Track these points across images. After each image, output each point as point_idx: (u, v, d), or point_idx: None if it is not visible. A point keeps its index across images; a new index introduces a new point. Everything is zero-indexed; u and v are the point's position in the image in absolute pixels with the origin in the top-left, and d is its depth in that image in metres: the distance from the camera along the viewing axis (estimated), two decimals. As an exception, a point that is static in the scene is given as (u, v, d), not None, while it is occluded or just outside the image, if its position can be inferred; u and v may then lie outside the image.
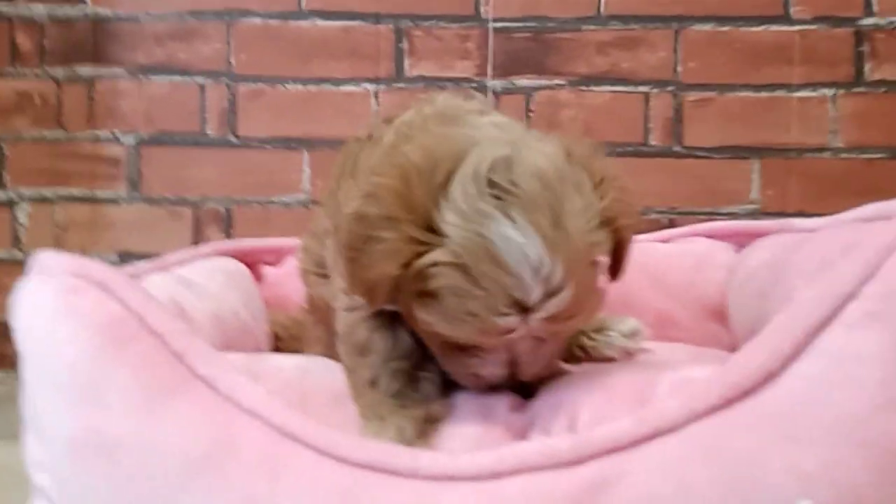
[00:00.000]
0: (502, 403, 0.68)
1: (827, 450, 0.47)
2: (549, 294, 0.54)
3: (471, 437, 0.62)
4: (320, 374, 0.70)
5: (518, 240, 0.53)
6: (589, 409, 0.62)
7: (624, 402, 0.61)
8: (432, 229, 0.55)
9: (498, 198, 0.54)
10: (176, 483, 0.48)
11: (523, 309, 0.54)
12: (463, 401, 0.69)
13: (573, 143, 0.62)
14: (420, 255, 0.55)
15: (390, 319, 0.65)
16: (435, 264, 0.54)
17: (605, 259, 0.62)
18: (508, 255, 0.53)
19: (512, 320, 0.54)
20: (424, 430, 0.63)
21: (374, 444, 0.53)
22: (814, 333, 0.51)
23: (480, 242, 0.53)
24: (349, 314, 0.68)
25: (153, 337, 0.54)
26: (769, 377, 0.51)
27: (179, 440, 0.49)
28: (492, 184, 0.55)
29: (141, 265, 0.88)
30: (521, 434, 0.61)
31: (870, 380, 0.49)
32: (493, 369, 0.61)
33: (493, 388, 0.63)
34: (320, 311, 0.80)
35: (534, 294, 0.54)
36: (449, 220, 0.54)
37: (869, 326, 0.50)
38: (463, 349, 0.60)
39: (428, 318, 0.57)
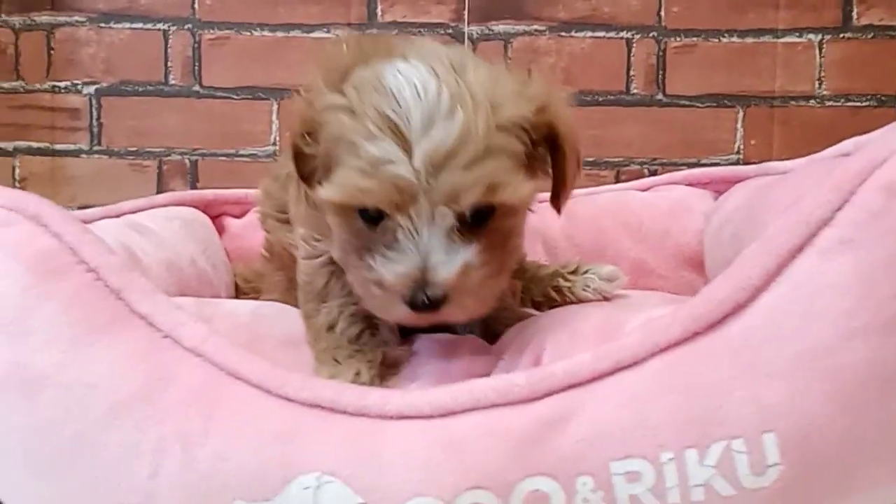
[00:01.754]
0: (465, 347, 0.66)
1: (790, 381, 0.45)
2: (430, 121, 0.51)
3: (430, 380, 0.60)
4: (274, 318, 0.68)
5: (407, 71, 0.53)
6: (553, 348, 0.59)
7: (589, 341, 0.59)
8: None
9: (403, 58, 0.55)
10: (101, 420, 0.45)
11: (403, 141, 0.51)
12: (424, 345, 0.67)
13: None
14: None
15: None
16: (328, 108, 0.55)
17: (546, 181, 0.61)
18: (392, 81, 0.53)
19: (389, 149, 0.51)
20: (383, 374, 0.62)
21: (321, 382, 0.50)
22: (785, 262, 0.49)
23: (371, 77, 0.54)
24: (309, 262, 0.67)
25: (88, 272, 0.51)
26: (736, 309, 0.48)
27: (110, 376, 0.47)
28: (402, 54, 0.56)
29: (92, 211, 0.84)
30: (484, 375, 0.59)
31: (836, 309, 0.46)
32: (397, 267, 0.53)
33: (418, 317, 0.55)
34: (279, 257, 0.78)
35: (413, 116, 0.51)
36: (353, 75, 0.56)
37: (842, 253, 0.48)
38: (367, 247, 0.55)
39: (327, 194, 0.55)
